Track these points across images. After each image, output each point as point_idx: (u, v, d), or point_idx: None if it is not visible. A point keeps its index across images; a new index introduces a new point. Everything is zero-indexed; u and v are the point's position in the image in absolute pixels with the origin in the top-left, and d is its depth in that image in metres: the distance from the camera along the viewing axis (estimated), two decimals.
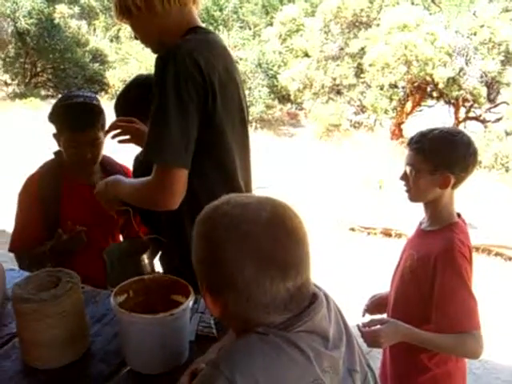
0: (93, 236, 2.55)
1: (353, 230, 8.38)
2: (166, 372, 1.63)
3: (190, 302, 1.63)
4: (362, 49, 15.24)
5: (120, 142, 2.24)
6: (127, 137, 2.22)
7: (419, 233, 2.29)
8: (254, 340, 1.13)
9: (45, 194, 2.53)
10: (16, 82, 18.53)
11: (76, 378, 1.65)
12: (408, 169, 2.18)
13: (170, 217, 1.95)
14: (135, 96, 2.40)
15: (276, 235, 1.14)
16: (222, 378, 1.07)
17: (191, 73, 1.78)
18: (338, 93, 16.29)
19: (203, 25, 2.00)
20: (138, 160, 2.48)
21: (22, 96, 17.07)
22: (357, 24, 16.19)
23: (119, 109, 2.47)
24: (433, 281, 2.06)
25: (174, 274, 1.80)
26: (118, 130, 2.22)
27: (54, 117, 2.51)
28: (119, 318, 1.65)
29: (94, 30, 21.48)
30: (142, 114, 2.15)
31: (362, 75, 15.58)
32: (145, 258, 2.13)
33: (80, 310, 1.73)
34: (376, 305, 2.43)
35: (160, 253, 2.26)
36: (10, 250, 2.60)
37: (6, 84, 18.73)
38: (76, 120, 2.42)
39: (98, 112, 2.49)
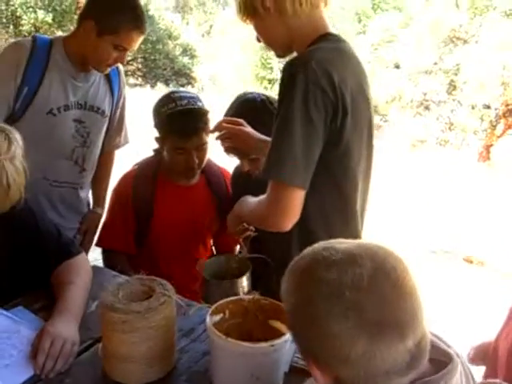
0: (183, 239, 2.47)
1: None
2: None
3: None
4: (457, 65, 14.74)
5: (223, 143, 2.12)
6: (230, 138, 2.10)
7: None
8: None
9: (139, 193, 2.46)
10: None
11: None
12: None
13: (277, 237, 1.79)
14: (248, 121, 2.19)
15: (382, 295, 1.00)
16: None
17: (323, 87, 1.61)
18: (427, 108, 15.84)
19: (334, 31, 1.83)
20: (239, 169, 2.41)
21: None
22: (453, 39, 15.68)
23: None
24: None
25: (271, 297, 1.65)
26: (223, 131, 2.10)
27: (158, 124, 2.42)
28: (212, 341, 1.51)
29: (187, 24, 21.71)
30: None
31: (453, 92, 15.09)
32: (244, 279, 1.98)
33: (171, 326, 1.59)
34: (479, 352, 2.20)
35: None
36: (97, 244, 2.53)
37: None
38: (182, 128, 2.32)
39: (203, 115, 2.37)
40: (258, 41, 1.88)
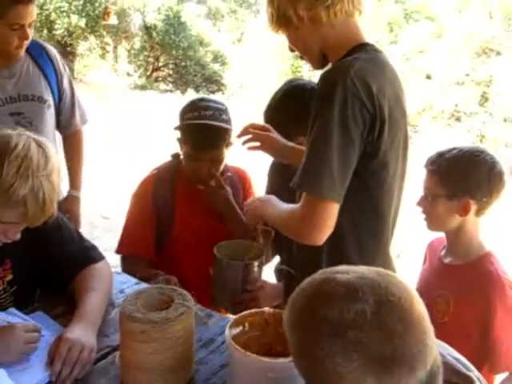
0: (203, 241, 2.45)
1: None
2: None
3: None
4: (490, 77, 14.54)
5: (249, 148, 2.11)
6: (257, 144, 2.08)
7: (443, 268, 2.04)
8: None
9: (159, 198, 2.46)
10: (138, 73, 19.03)
11: None
12: (424, 193, 1.98)
13: (307, 251, 1.75)
14: (292, 107, 2.20)
15: (388, 330, 0.95)
16: None
17: (361, 98, 1.57)
18: (458, 119, 15.64)
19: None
20: (275, 166, 2.42)
21: (142, 88, 17.48)
22: (486, 50, 15.49)
23: (271, 116, 2.29)
24: (486, 324, 1.84)
25: None
26: (249, 136, 2.08)
27: (179, 127, 2.41)
28: (231, 354, 1.48)
29: (219, 30, 21.75)
30: (297, 124, 2.07)
31: (485, 104, 14.88)
32: (255, 264, 2.02)
33: (189, 337, 1.57)
34: None
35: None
36: (117, 252, 2.51)
37: (128, 74, 19.27)
38: (197, 141, 2.33)
39: (223, 133, 2.35)
40: (291, 50, 1.84)
